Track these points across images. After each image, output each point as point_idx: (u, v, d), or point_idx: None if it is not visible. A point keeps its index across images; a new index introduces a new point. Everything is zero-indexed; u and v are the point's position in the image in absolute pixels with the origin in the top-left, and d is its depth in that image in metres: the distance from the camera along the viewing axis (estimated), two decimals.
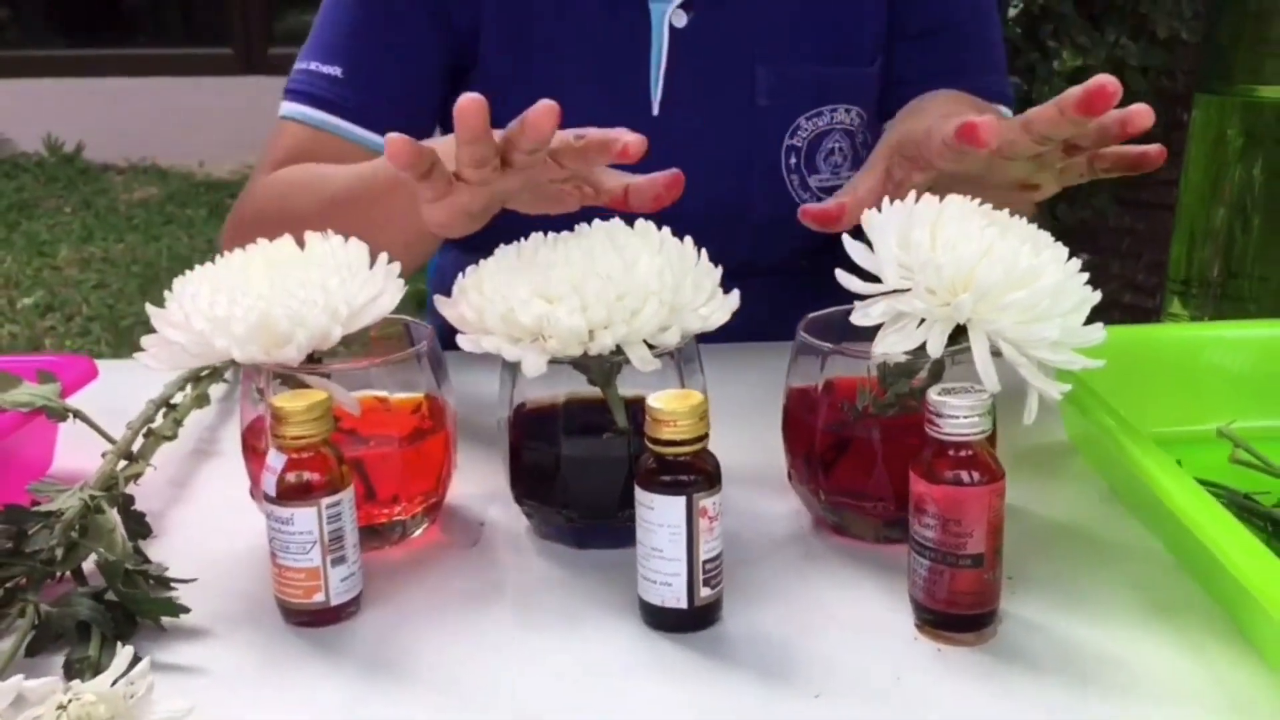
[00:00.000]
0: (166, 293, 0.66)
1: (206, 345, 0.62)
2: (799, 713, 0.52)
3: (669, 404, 0.57)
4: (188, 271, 0.68)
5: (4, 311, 3.34)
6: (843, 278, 0.62)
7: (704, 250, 0.66)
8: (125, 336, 3.17)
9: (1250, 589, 0.51)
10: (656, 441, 0.57)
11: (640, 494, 0.57)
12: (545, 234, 0.67)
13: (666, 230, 0.67)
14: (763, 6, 0.98)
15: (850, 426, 0.65)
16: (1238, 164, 0.81)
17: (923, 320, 0.61)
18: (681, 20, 0.98)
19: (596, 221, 0.67)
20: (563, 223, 0.69)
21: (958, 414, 0.55)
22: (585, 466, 0.66)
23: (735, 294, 0.66)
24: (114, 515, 0.62)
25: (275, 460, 0.58)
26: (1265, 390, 0.75)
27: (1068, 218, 1.62)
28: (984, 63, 1.02)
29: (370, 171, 0.86)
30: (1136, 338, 0.81)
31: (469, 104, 0.63)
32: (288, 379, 0.64)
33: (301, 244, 0.68)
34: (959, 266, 0.60)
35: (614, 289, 0.61)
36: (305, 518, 0.58)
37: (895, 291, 0.62)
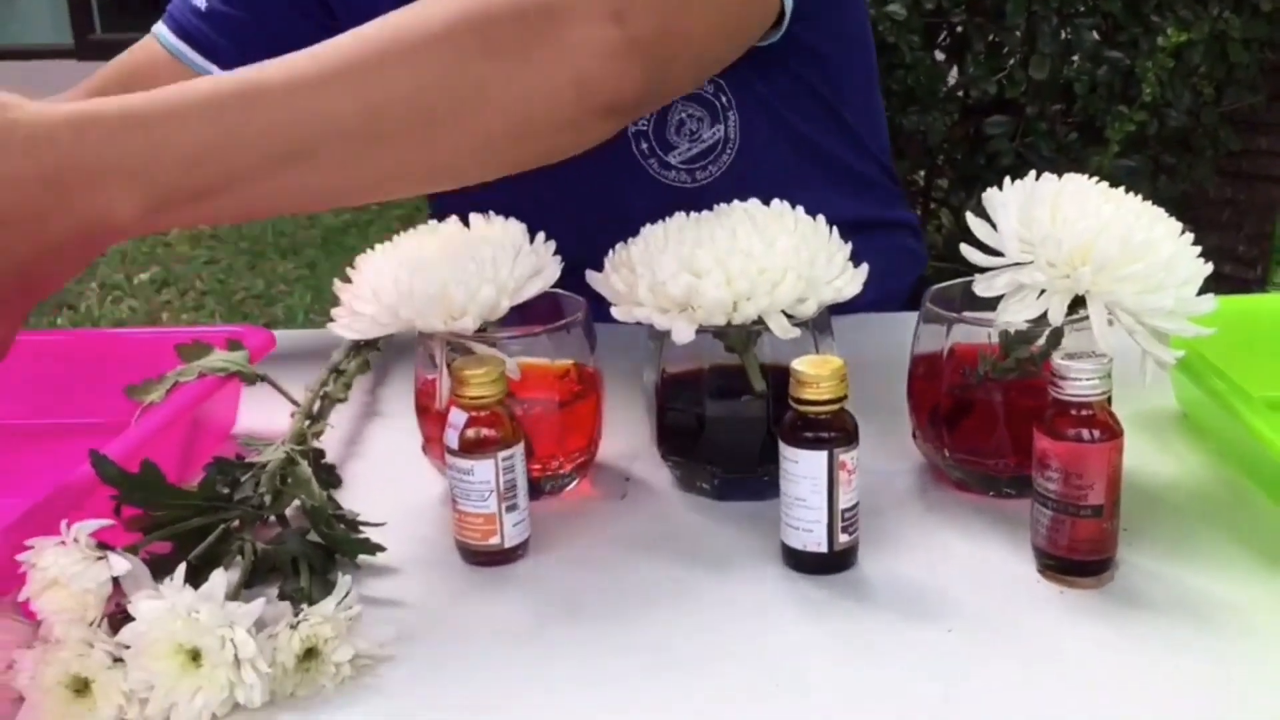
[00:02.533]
0: (350, 270, 0.74)
1: (393, 315, 0.69)
2: (934, 645, 0.58)
3: (813, 368, 0.63)
4: (367, 250, 0.75)
5: (122, 287, 3.50)
6: (967, 251, 0.68)
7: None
8: (236, 310, 3.31)
9: None
10: (801, 401, 0.63)
11: (785, 449, 0.63)
12: (687, 214, 0.73)
13: (800, 210, 0.72)
14: None
15: (972, 389, 0.71)
16: None
17: (1043, 291, 0.66)
18: None
19: (736, 203, 0.73)
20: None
21: (1080, 377, 0.60)
22: (727, 426, 0.72)
23: (865, 266, 0.71)
24: (307, 468, 0.70)
25: (457, 418, 0.65)
26: None
27: (1169, 189, 1.64)
28: None
29: None
30: (1244, 308, 0.84)
31: None
32: (458, 346, 0.71)
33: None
34: (1078, 241, 0.64)
35: (756, 264, 0.67)
36: (484, 469, 0.65)
37: (1017, 264, 0.67)
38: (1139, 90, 1.45)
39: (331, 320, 0.74)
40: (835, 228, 0.73)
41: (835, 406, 0.63)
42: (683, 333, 0.68)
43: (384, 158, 0.66)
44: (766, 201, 0.73)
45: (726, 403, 0.72)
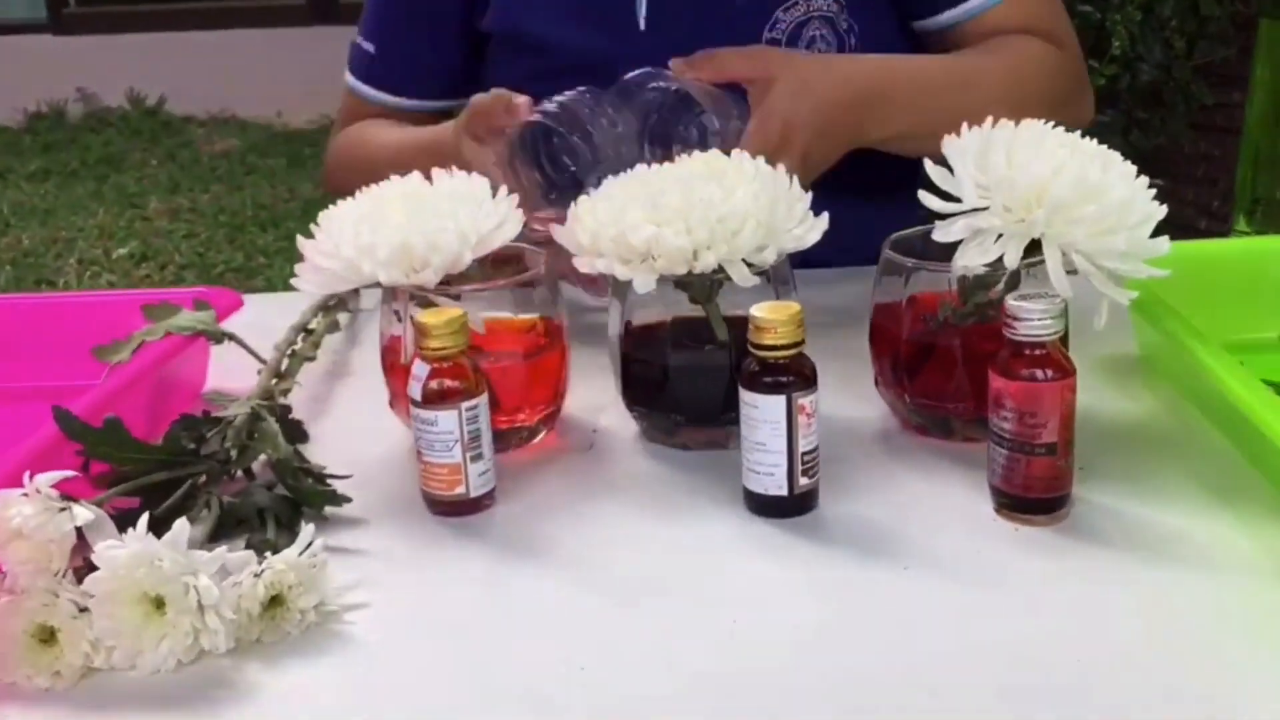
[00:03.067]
0: (313, 225, 0.74)
1: (355, 270, 0.69)
2: (891, 583, 0.59)
3: (770, 313, 0.64)
4: (328, 210, 0.75)
5: (100, 261, 3.48)
6: (924, 197, 0.68)
7: None
8: (216, 283, 3.29)
9: None
10: (759, 347, 0.64)
11: (745, 394, 0.64)
12: (649, 165, 0.74)
13: (761, 160, 0.73)
14: None
15: (932, 335, 0.71)
16: None
17: (1000, 235, 0.67)
18: None
19: (696, 153, 0.74)
20: None
21: (1032, 316, 0.60)
22: (691, 375, 0.73)
23: (825, 215, 0.72)
24: (274, 423, 0.71)
25: (420, 370, 0.66)
26: None
27: (1142, 144, 1.65)
28: None
29: (412, 141, 1.03)
30: (1201, 251, 0.85)
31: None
32: (423, 300, 0.72)
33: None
34: (1033, 184, 0.65)
35: (715, 212, 0.68)
36: (448, 419, 0.65)
37: (974, 210, 0.67)
38: (1110, 44, 1.45)
39: (302, 242, 0.74)
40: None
41: (793, 351, 0.64)
42: (643, 283, 0.68)
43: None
44: None
45: (689, 353, 0.73)
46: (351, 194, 0.79)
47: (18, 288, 3.30)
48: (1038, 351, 0.61)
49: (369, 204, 0.73)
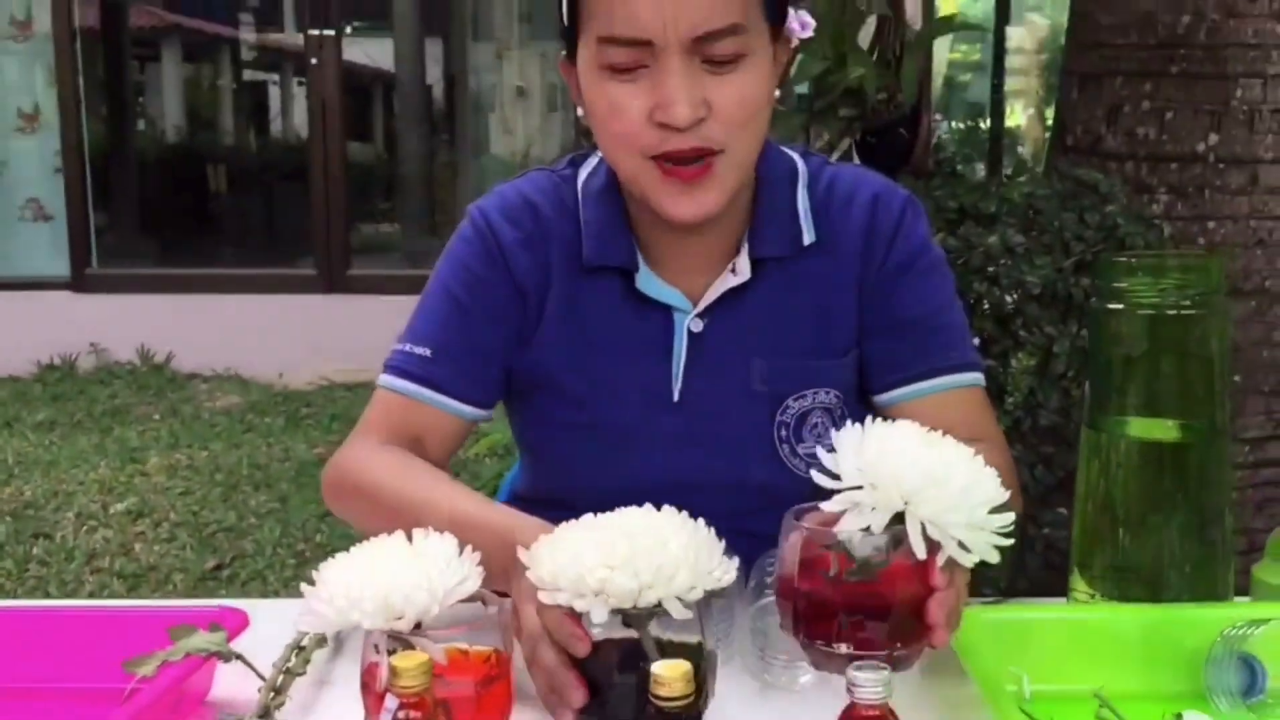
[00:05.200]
0: (314, 573, 0.92)
1: (345, 616, 0.87)
2: None
3: (666, 670, 0.81)
4: (334, 557, 0.94)
5: (98, 516, 3.64)
6: (817, 476, 0.89)
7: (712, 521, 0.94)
8: (207, 543, 3.45)
9: None
10: (657, 697, 0.81)
11: None
12: (595, 514, 0.94)
13: (684, 514, 0.93)
14: (757, 314, 1.21)
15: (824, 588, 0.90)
16: (1120, 490, 1.08)
17: (873, 509, 0.87)
18: (698, 326, 1.21)
19: (632, 508, 0.94)
20: None
21: (868, 685, 0.78)
22: (615, 690, 0.90)
23: (735, 558, 0.91)
24: None
25: (391, 703, 0.83)
26: (1138, 659, 0.98)
27: (1046, 478, 1.86)
28: (947, 343, 1.23)
29: (464, 515, 1.07)
30: (1035, 615, 1.04)
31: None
32: (397, 638, 0.90)
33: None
34: (895, 471, 0.86)
35: (656, 560, 0.87)
36: None
37: (854, 488, 0.88)
38: (1008, 393, 1.69)
39: (306, 588, 0.92)
40: None
41: (685, 702, 0.81)
42: (600, 615, 0.86)
43: None
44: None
45: (613, 670, 0.90)
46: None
47: (16, 541, 3.45)
48: (873, 712, 0.79)
49: (360, 560, 0.92)
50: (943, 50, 7.85)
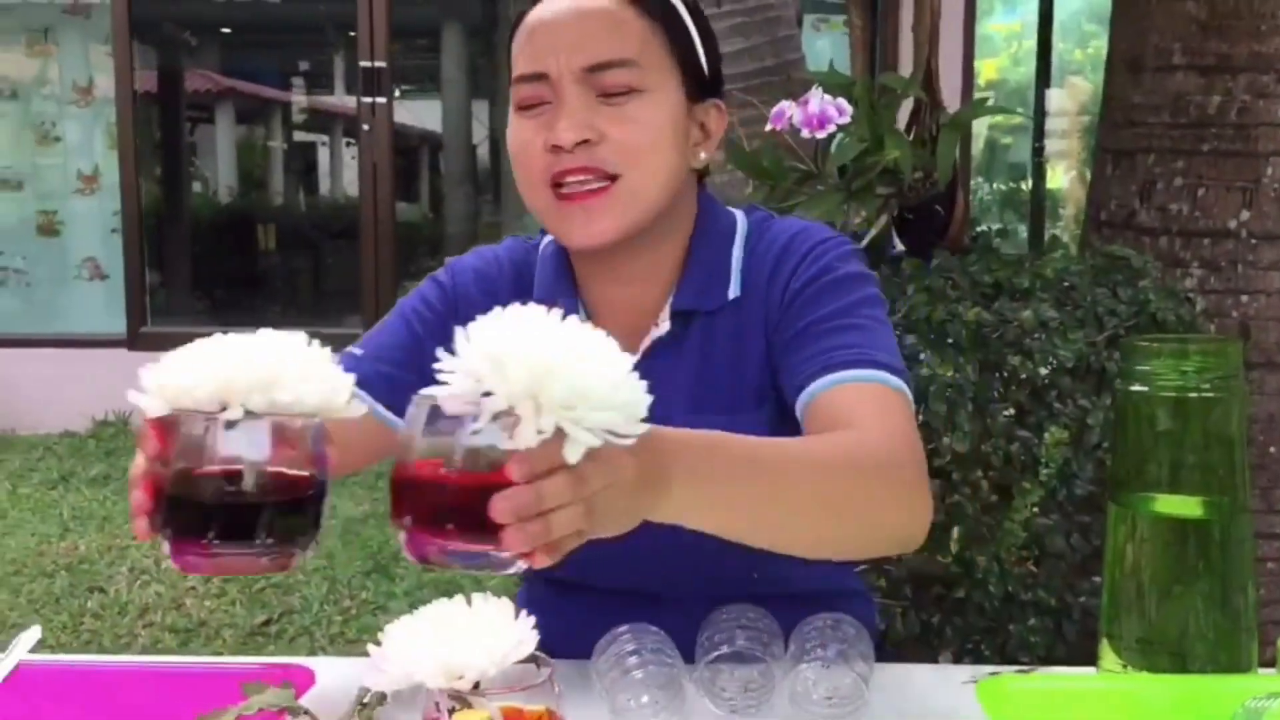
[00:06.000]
0: (380, 634, 0.99)
1: (408, 677, 0.93)
2: None
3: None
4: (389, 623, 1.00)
5: (151, 571, 3.73)
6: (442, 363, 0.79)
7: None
8: (256, 599, 3.52)
9: None
10: None
11: None
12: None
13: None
14: (684, 371, 1.20)
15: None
16: (1145, 564, 1.12)
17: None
18: None
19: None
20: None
21: None
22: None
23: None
24: None
25: None
26: None
27: (1083, 547, 1.89)
28: (848, 343, 1.13)
29: None
30: (1064, 684, 1.08)
31: None
32: (457, 696, 0.96)
33: None
34: (520, 355, 0.76)
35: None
36: None
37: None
38: (1042, 466, 1.73)
39: (372, 649, 0.98)
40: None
41: None
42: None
43: (798, 524, 0.98)
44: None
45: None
46: None
47: (71, 595, 3.54)
48: None
49: (423, 623, 0.98)
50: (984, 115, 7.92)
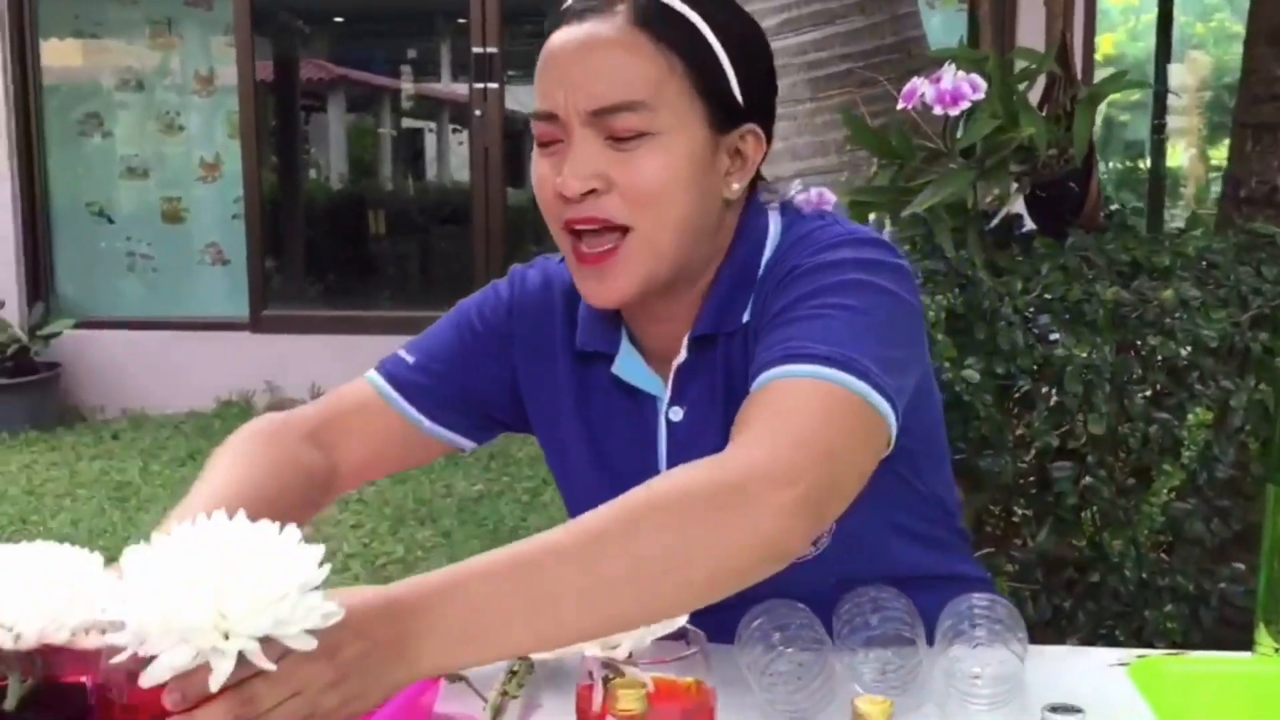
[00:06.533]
0: None
1: (578, 648, 0.95)
2: None
3: (867, 705, 0.87)
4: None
5: None
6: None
7: None
8: (378, 574, 3.61)
9: None
10: None
11: None
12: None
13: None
14: (701, 400, 1.17)
15: None
16: None
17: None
18: (677, 415, 1.18)
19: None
20: None
21: None
22: None
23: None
24: None
25: None
26: None
27: (1223, 531, 1.84)
28: (783, 338, 1.04)
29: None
30: (1222, 668, 1.06)
31: None
32: (611, 665, 0.97)
33: None
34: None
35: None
36: None
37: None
38: (1184, 448, 1.69)
39: None
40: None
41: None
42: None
43: (608, 610, 0.90)
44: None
45: None
46: None
47: None
48: None
49: None
50: None
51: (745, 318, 1.15)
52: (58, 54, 6.32)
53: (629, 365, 1.21)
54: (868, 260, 1.09)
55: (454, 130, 9.92)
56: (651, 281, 1.12)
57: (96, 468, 4.82)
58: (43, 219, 6.16)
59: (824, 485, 0.95)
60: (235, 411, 5.66)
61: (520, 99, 6.26)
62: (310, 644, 0.79)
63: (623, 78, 1.08)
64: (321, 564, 0.83)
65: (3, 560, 0.91)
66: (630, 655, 0.97)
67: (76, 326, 5.77)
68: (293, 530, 0.84)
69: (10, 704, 0.88)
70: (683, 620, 0.99)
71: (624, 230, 1.10)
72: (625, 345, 1.21)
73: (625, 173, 1.08)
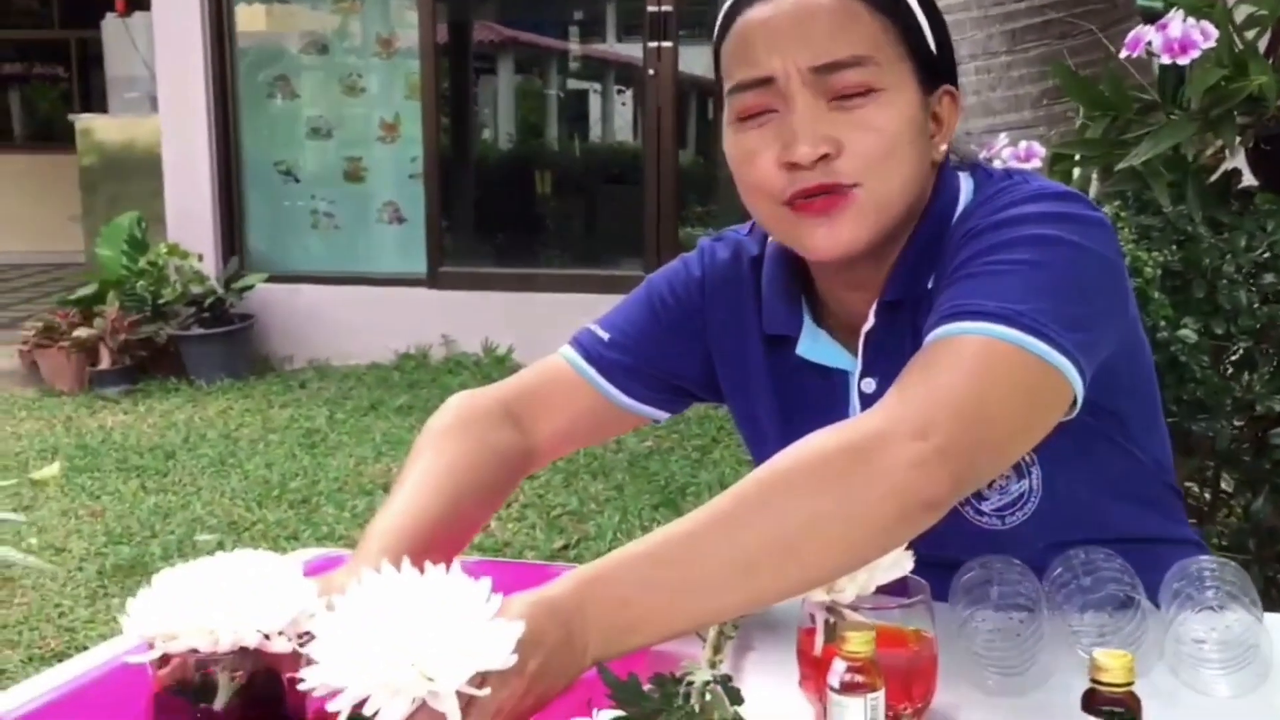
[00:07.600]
0: None
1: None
2: None
3: (1108, 658, 0.85)
4: None
5: None
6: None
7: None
8: (554, 524, 3.70)
9: None
10: (1099, 683, 0.85)
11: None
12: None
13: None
14: (891, 368, 1.07)
15: None
16: None
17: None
18: (870, 387, 1.16)
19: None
20: None
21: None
22: None
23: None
24: (721, 689, 0.97)
25: (839, 666, 0.91)
26: None
27: None
28: (955, 295, 1.03)
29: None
30: None
31: None
32: (833, 609, 0.98)
33: None
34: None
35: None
36: (856, 706, 0.90)
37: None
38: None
39: None
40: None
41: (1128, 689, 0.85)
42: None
43: (755, 585, 0.93)
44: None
45: None
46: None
47: None
48: None
49: None
50: None
51: (930, 284, 1.14)
52: (248, 18, 6.59)
53: (814, 344, 1.21)
54: (1051, 213, 1.06)
55: (618, 91, 9.96)
56: (878, 237, 1.11)
57: (286, 415, 5.05)
58: (236, 178, 6.46)
59: (966, 440, 0.94)
60: (413, 364, 5.85)
61: (687, 61, 6.25)
62: (510, 660, 0.83)
63: (846, 32, 1.08)
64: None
65: (208, 569, 0.96)
66: (854, 601, 0.97)
67: (267, 281, 6.04)
68: (457, 568, 0.87)
69: (220, 703, 0.93)
70: (908, 567, 0.99)
71: (851, 187, 1.09)
72: (808, 324, 1.21)
73: (855, 133, 1.08)
